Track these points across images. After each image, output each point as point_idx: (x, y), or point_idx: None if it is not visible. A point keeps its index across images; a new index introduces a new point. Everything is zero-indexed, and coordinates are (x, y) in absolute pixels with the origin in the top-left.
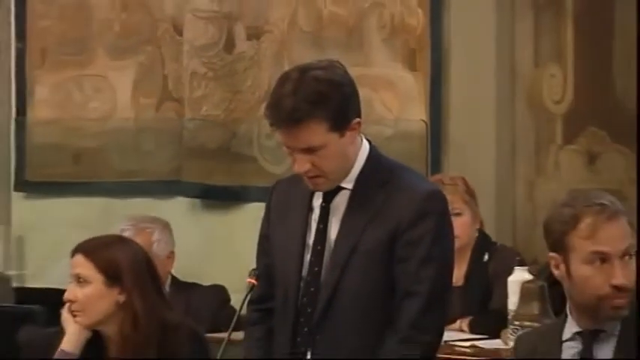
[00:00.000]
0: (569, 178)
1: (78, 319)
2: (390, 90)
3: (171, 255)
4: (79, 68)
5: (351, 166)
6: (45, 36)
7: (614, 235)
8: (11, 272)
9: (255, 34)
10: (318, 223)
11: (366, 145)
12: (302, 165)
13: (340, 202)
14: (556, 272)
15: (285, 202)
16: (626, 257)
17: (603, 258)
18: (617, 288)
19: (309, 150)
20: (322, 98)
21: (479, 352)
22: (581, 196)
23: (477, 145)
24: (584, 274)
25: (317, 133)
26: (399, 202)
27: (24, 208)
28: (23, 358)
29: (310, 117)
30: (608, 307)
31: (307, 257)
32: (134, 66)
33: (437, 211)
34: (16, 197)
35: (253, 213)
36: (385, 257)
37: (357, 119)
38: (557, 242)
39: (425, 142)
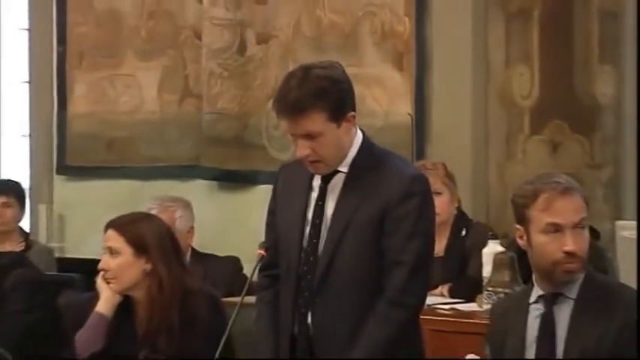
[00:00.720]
0: (535, 164)
1: (111, 285)
2: (380, 87)
3: (191, 230)
4: (111, 69)
5: (346, 154)
6: (82, 41)
7: (567, 209)
8: (53, 245)
9: (263, 39)
10: (317, 200)
11: (359, 135)
12: (303, 150)
13: (337, 183)
14: (520, 242)
15: (290, 183)
16: (578, 228)
17: (557, 228)
18: (569, 254)
19: (309, 136)
20: (323, 92)
21: (457, 314)
22: (543, 176)
23: (456, 135)
24: (541, 242)
25: (317, 121)
26: (387, 184)
27: (64, 189)
28: (64, 320)
29: (312, 107)
30: (561, 271)
31: (307, 230)
32: (159, 67)
33: (420, 192)
34: (58, 180)
35: (262, 194)
36: (376, 232)
37: (352, 113)
38: (520, 215)
39: (410, 132)
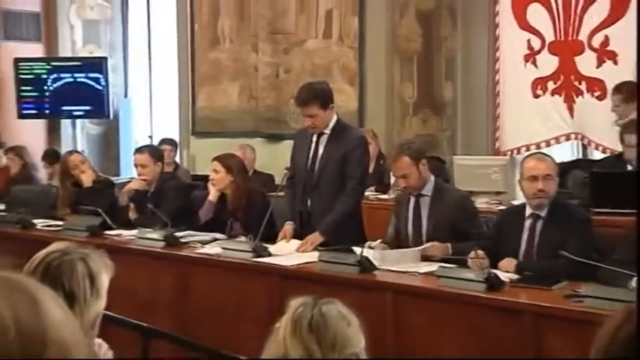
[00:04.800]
0: (415, 130)
1: (215, 187)
2: (341, 93)
3: (254, 160)
4: (215, 86)
5: (329, 123)
6: (202, 73)
7: (396, 167)
8: (189, 168)
9: (287, 71)
10: (314, 148)
11: (335, 116)
12: (307, 122)
13: (324, 139)
14: None
15: (300, 139)
16: (403, 178)
17: (398, 177)
18: (405, 187)
19: (311, 116)
20: (317, 95)
21: (379, 199)
22: (408, 140)
23: (378, 117)
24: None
25: (314, 109)
26: (347, 140)
27: (195, 143)
28: (194, 204)
29: (311, 102)
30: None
31: (309, 161)
32: (238, 85)
33: (363, 145)
34: (192, 138)
35: (288, 145)
36: (342, 164)
37: (332, 105)
38: None
39: (357, 116)
